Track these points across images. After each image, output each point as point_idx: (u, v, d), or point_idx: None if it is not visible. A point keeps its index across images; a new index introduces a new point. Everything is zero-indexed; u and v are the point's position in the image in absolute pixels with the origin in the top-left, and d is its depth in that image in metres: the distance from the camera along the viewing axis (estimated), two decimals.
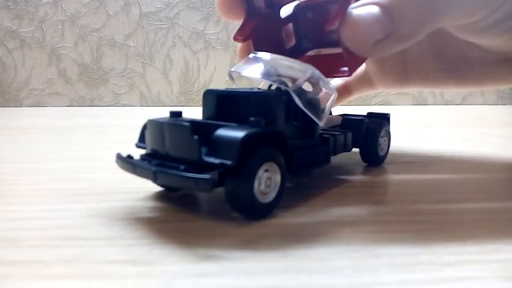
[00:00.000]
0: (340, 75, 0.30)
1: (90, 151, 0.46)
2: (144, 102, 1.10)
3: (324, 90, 0.31)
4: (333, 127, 0.39)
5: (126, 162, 0.25)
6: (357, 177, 0.35)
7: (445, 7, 0.26)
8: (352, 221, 0.24)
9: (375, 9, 0.26)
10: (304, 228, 0.23)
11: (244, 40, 0.31)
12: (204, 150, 0.23)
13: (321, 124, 0.30)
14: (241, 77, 0.31)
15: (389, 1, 0.26)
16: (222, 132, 0.23)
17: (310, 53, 0.32)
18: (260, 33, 0.30)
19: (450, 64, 0.38)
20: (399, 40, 0.27)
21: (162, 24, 1.08)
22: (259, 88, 0.31)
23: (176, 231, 0.23)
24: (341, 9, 0.26)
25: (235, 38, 0.31)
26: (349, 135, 0.36)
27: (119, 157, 0.26)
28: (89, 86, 1.08)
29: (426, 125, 0.70)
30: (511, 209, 0.27)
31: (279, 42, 0.32)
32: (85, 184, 0.32)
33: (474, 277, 0.18)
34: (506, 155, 0.45)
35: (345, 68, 0.29)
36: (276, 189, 0.25)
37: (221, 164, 0.22)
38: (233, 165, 0.22)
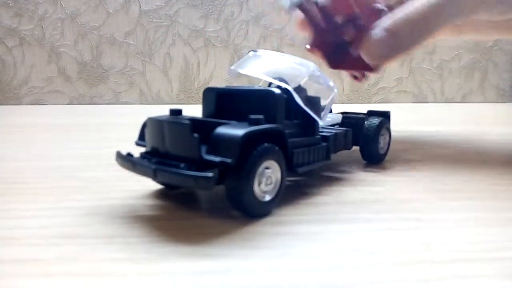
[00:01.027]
0: (369, 71, 0.43)
1: (89, 149, 0.46)
2: (144, 100, 1.10)
3: (324, 87, 0.30)
4: (333, 125, 0.39)
5: (126, 160, 0.25)
6: (357, 175, 0.35)
7: (434, 25, 0.38)
8: (351, 219, 0.24)
9: (382, 32, 0.38)
10: (303, 226, 0.23)
11: (314, 50, 0.42)
12: (204, 148, 0.23)
13: (321, 122, 0.30)
14: (241, 75, 0.31)
15: (391, 25, 0.38)
16: (222, 130, 0.23)
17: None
18: (324, 44, 0.43)
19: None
20: (401, 51, 0.38)
21: (162, 22, 1.08)
22: (259, 86, 0.31)
23: (176, 229, 0.23)
24: (360, 33, 0.39)
25: (309, 50, 0.42)
26: (349, 133, 0.36)
27: (119, 155, 0.26)
28: (89, 84, 1.08)
29: (427, 123, 0.70)
30: (511, 207, 0.27)
31: (339, 50, 0.43)
32: (85, 182, 0.32)
33: (475, 275, 0.18)
34: (506, 153, 0.45)
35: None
36: (276, 187, 0.25)
37: (221, 162, 0.22)
38: (233, 163, 0.22)
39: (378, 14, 0.40)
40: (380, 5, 0.41)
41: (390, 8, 0.41)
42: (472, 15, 0.39)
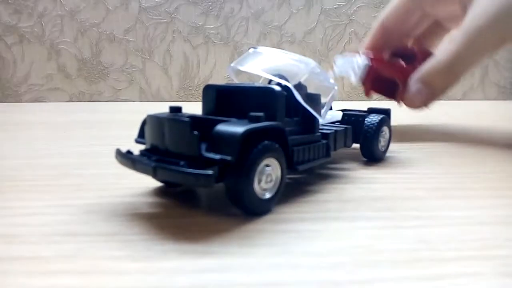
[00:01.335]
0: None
1: (89, 147, 0.46)
2: (144, 97, 1.10)
3: (324, 85, 0.30)
4: (334, 123, 0.39)
5: (125, 157, 0.25)
6: (358, 173, 0.35)
7: (462, 71, 0.47)
8: (352, 216, 0.24)
9: (419, 85, 0.48)
10: (304, 224, 0.23)
11: (371, 93, 0.54)
12: (204, 145, 0.23)
13: (322, 119, 0.30)
14: (241, 72, 0.31)
15: (426, 77, 0.48)
16: (222, 127, 0.23)
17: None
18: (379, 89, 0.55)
19: None
20: (436, 98, 0.49)
21: (162, 19, 1.07)
22: (259, 83, 0.31)
23: (175, 227, 0.23)
24: (403, 87, 0.51)
25: (366, 94, 0.54)
26: (350, 130, 0.36)
27: (119, 153, 0.26)
28: (89, 81, 1.08)
29: (427, 121, 0.69)
30: (509, 205, 0.27)
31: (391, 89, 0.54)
32: (85, 180, 0.32)
33: (475, 273, 0.18)
34: (506, 151, 0.45)
35: None
36: (276, 184, 0.25)
37: (221, 160, 0.22)
38: (233, 161, 0.22)
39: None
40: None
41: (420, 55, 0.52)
42: (496, 51, 0.47)
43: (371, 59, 0.51)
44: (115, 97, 1.09)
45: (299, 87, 0.28)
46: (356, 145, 0.38)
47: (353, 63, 0.50)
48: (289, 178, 0.32)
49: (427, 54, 0.52)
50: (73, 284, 0.17)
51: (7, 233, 0.22)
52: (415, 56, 0.53)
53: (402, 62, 0.53)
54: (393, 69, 0.52)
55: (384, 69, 0.52)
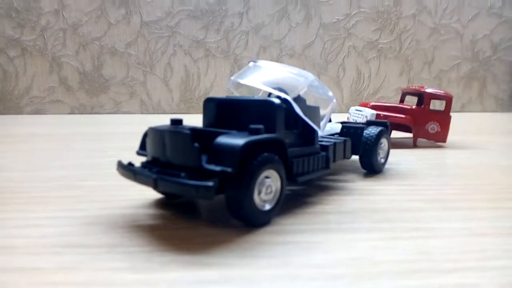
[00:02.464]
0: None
1: (90, 159, 0.46)
2: (145, 109, 1.11)
3: (323, 98, 0.31)
4: (333, 135, 0.39)
5: (127, 169, 0.25)
6: (357, 184, 0.35)
7: None
8: (351, 228, 0.25)
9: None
10: (303, 235, 0.23)
11: None
12: (204, 157, 0.23)
13: (321, 131, 0.31)
14: (241, 85, 0.31)
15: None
16: (222, 139, 0.23)
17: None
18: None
19: None
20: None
21: (163, 33, 1.09)
22: (259, 96, 0.32)
23: (176, 238, 0.23)
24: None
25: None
26: (349, 142, 0.36)
27: (120, 165, 0.26)
28: (90, 94, 1.08)
29: None
30: (511, 216, 0.27)
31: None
32: (86, 192, 0.32)
33: (474, 284, 0.18)
34: (504, 164, 0.45)
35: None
36: (276, 196, 0.25)
37: (222, 172, 0.22)
38: (233, 172, 0.22)
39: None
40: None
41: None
42: None
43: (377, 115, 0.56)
44: (116, 109, 1.10)
45: (299, 99, 0.29)
46: (355, 157, 0.38)
47: (363, 113, 0.56)
48: (289, 190, 0.32)
49: (433, 95, 0.56)
50: None
51: (7, 244, 0.22)
52: (423, 96, 0.57)
53: (408, 106, 0.58)
54: (398, 116, 0.56)
55: (390, 117, 0.55)
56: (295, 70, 0.30)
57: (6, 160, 0.45)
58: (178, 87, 1.11)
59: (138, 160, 0.27)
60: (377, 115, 0.55)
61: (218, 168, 0.22)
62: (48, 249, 0.21)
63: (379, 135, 0.38)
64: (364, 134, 0.38)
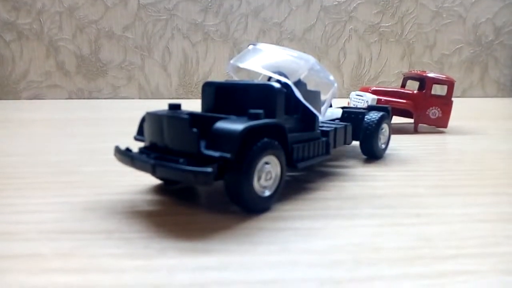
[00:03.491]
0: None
1: (88, 144, 0.45)
2: (143, 94, 1.10)
3: (324, 82, 0.30)
4: (333, 120, 0.39)
5: (124, 155, 0.25)
6: (357, 170, 0.34)
7: None
8: (351, 214, 0.24)
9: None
10: (303, 222, 0.23)
11: None
12: (203, 142, 0.23)
13: (321, 116, 0.30)
14: (240, 69, 0.30)
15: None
16: (221, 124, 0.23)
17: None
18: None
19: None
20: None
21: (161, 16, 1.07)
22: (258, 80, 0.31)
23: (174, 224, 0.23)
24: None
25: None
26: (349, 128, 0.36)
27: (118, 150, 0.26)
28: (88, 78, 1.07)
29: None
30: (509, 202, 0.27)
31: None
32: (83, 177, 0.32)
33: (474, 270, 0.18)
34: (505, 149, 0.45)
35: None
36: (276, 182, 0.25)
37: (221, 157, 0.22)
38: (232, 158, 0.22)
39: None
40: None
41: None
42: None
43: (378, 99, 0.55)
44: (114, 94, 1.09)
45: (299, 84, 0.28)
46: (356, 143, 0.38)
47: (364, 98, 0.55)
48: (289, 176, 0.32)
49: (435, 79, 0.56)
50: (72, 281, 0.17)
51: (5, 230, 0.22)
52: (424, 80, 0.57)
53: (410, 91, 0.57)
54: (399, 101, 0.55)
55: (391, 102, 0.54)
56: (296, 53, 0.30)
57: (4, 146, 0.45)
58: (176, 71, 1.10)
59: (136, 146, 0.27)
60: (378, 100, 0.54)
61: (217, 154, 0.22)
62: (45, 235, 0.21)
63: (380, 121, 0.37)
64: (365, 119, 0.37)
